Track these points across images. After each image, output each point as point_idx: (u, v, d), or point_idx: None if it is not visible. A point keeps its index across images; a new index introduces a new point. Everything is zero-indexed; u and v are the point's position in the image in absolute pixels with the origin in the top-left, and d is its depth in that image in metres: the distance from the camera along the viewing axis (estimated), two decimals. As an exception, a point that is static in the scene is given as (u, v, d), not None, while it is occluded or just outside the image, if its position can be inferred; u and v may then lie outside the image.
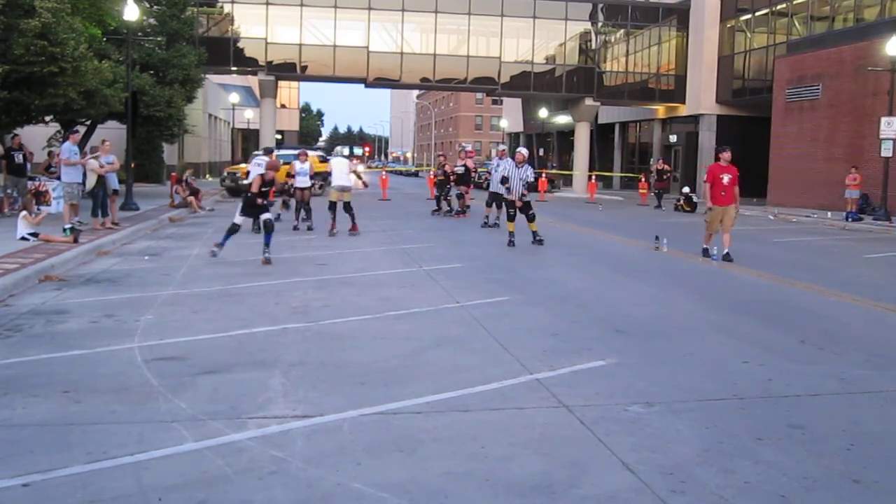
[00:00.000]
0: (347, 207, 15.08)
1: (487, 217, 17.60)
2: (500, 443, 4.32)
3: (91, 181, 14.29)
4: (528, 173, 14.51)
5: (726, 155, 12.71)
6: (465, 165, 20.83)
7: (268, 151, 14.14)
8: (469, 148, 20.86)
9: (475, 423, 4.65)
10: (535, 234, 14.28)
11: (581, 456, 4.17)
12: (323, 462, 4.00)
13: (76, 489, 3.62)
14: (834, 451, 4.33)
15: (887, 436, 4.65)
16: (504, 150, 17.32)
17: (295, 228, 16.05)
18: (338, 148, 18.92)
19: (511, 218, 14.40)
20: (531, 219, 14.33)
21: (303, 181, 16.50)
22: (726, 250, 12.58)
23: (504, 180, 14.63)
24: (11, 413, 4.62)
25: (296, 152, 19.42)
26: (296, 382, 5.34)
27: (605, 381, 5.56)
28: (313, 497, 3.61)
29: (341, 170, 15.34)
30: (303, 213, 16.60)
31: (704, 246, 12.97)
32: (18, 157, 16.31)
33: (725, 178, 12.47)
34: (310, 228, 15.90)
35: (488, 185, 16.98)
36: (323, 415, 4.70)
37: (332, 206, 15.16)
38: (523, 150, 15.04)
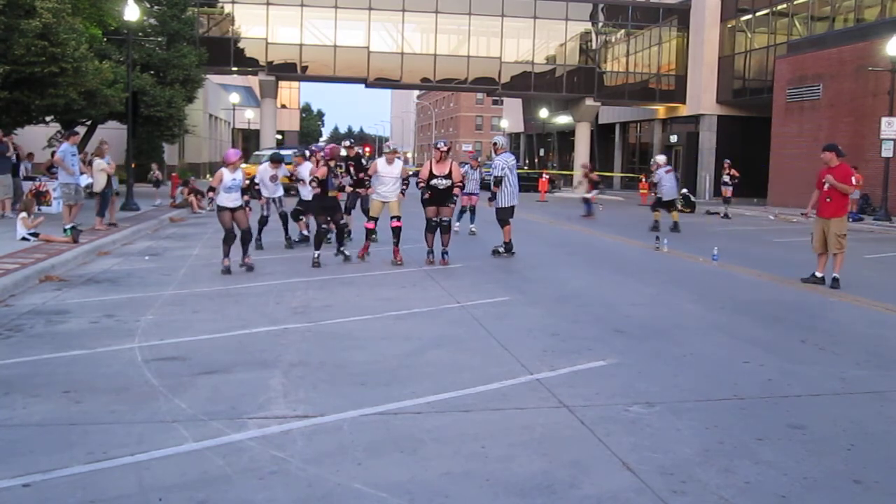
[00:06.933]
0: (445, 229, 11.36)
1: (508, 243, 12.47)
2: (501, 443, 4.32)
3: (101, 181, 14.29)
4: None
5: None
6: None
7: (275, 160, 13.33)
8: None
9: (475, 423, 4.65)
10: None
11: (581, 456, 4.17)
12: (323, 462, 4.00)
13: (76, 489, 3.62)
14: (834, 451, 4.33)
15: (887, 436, 4.65)
16: (503, 144, 12.86)
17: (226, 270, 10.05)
18: (391, 144, 11.77)
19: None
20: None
21: (229, 198, 10.14)
22: (823, 275, 10.27)
23: (498, 181, 12.08)
24: (12, 413, 4.62)
25: (287, 152, 16.06)
26: (296, 382, 5.34)
27: (605, 381, 5.56)
28: (313, 497, 3.61)
29: (389, 173, 11.29)
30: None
31: (836, 275, 10.01)
32: (12, 157, 16.30)
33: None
34: (248, 267, 10.33)
35: (492, 197, 12.40)
36: (323, 415, 4.70)
37: (373, 223, 11.86)
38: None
